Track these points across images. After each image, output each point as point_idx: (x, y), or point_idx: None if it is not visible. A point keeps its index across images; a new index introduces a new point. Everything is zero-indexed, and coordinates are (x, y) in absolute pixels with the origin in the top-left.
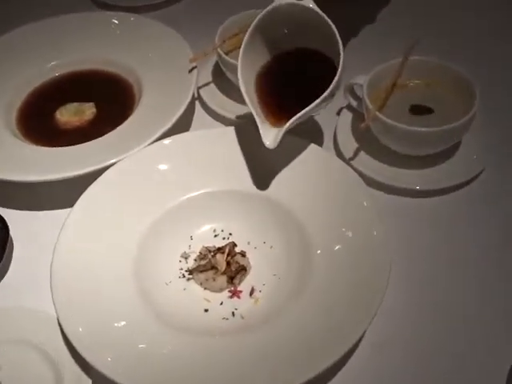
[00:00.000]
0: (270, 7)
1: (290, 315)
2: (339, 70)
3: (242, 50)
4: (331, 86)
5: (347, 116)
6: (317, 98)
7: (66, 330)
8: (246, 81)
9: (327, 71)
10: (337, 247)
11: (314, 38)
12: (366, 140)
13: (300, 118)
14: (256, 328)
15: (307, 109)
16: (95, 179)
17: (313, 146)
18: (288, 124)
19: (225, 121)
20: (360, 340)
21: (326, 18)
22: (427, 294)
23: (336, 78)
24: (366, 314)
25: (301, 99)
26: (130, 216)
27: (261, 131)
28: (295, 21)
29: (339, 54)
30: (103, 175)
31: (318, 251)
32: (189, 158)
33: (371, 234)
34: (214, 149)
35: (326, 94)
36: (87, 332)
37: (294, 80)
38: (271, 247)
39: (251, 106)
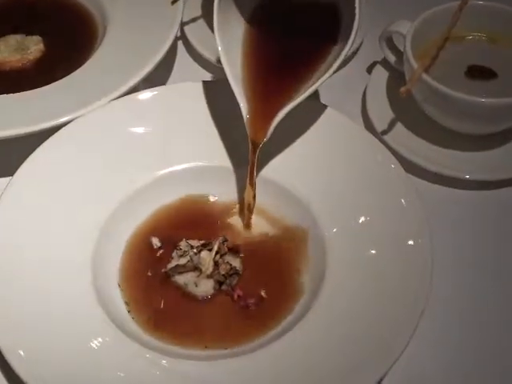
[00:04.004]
0: None
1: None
2: (356, 20)
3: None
4: (344, 50)
5: (382, 75)
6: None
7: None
8: (227, 51)
9: (334, 23)
10: (359, 259)
11: None
12: (407, 109)
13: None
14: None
15: (305, 94)
16: (41, 143)
17: (332, 113)
18: (282, 114)
19: (217, 70)
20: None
21: None
22: (482, 330)
23: (351, 37)
24: (388, 352)
25: (300, 67)
26: (88, 195)
27: (246, 124)
28: None
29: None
30: (52, 138)
31: (334, 261)
32: (168, 120)
33: (406, 243)
34: (203, 108)
35: (335, 66)
36: (32, 358)
37: (288, 41)
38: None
39: (235, 85)
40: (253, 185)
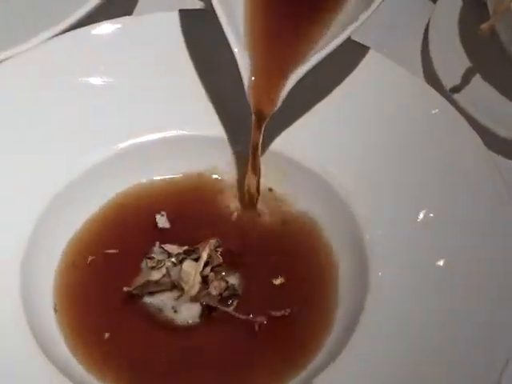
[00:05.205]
0: None
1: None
2: None
3: None
4: None
5: (452, 4)
6: None
7: None
8: None
9: None
10: (417, 275)
11: None
12: (488, 55)
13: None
14: None
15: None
16: None
17: (379, 60)
18: (300, 73)
19: None
20: None
21: None
22: None
23: None
24: None
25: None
26: (17, 178)
27: (248, 89)
28: None
29: None
30: None
31: (380, 273)
32: (135, 68)
33: (477, 256)
34: (183, 51)
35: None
36: None
37: None
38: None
39: (230, 30)
40: (256, 171)
